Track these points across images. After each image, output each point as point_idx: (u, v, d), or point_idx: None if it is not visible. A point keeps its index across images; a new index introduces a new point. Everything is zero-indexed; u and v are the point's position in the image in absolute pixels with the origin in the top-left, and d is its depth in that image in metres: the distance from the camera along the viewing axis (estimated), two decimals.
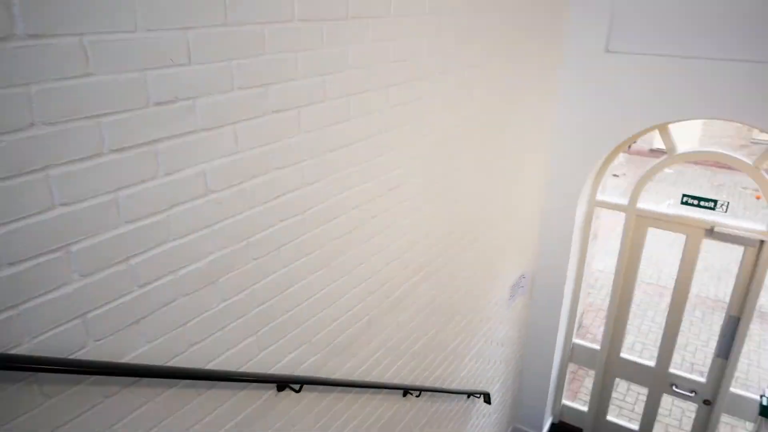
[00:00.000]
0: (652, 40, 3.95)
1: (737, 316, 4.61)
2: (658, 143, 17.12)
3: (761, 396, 4.14)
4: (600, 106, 4.25)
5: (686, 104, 3.99)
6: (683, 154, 4.45)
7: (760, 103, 3.75)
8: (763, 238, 4.29)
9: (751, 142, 15.80)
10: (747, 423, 6.16)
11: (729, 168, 16.53)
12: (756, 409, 4.75)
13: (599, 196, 4.84)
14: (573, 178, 4.54)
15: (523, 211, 4.39)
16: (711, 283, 9.98)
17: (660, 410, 6.47)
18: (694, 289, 9.51)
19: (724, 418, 6.31)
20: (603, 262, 10.31)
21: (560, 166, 4.56)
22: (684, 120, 4.08)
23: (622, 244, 4.85)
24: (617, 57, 4.08)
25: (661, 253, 10.59)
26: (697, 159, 4.40)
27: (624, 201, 4.75)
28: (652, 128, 4.29)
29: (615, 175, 15.17)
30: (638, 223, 4.74)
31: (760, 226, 4.36)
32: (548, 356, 5.21)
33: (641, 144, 17.31)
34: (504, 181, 3.83)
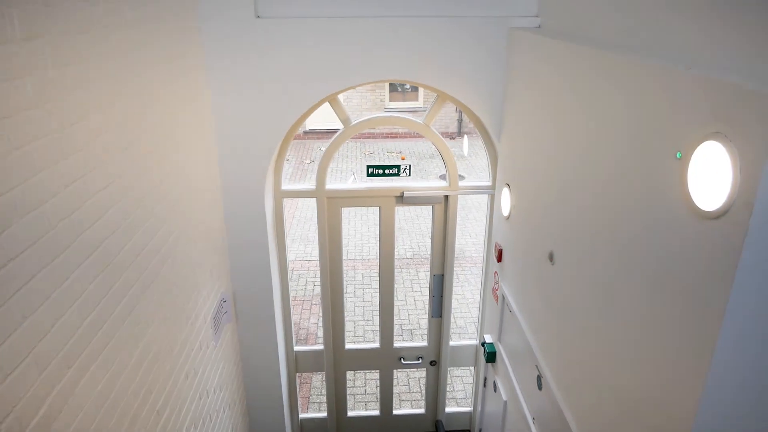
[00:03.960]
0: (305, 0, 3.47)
1: (441, 274, 4.65)
2: (311, 125, 17.84)
3: (482, 344, 4.21)
4: (263, 87, 3.63)
5: (355, 69, 3.65)
6: (359, 123, 4.16)
7: (426, 58, 3.64)
8: (447, 193, 4.33)
9: (385, 110, 17.66)
10: (470, 368, 6.59)
11: (370, 137, 18.24)
12: (473, 354, 4.93)
13: (284, 186, 4.27)
14: (253, 174, 3.85)
15: (203, 223, 3.52)
16: (407, 244, 10.57)
17: (398, 389, 6.48)
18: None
19: (451, 372, 6.64)
20: (292, 250, 10.08)
21: (234, 164, 3.81)
22: (356, 85, 3.75)
23: (320, 230, 4.40)
24: (270, 24, 3.49)
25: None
26: (372, 126, 4.18)
27: (311, 186, 4.28)
28: (324, 101, 3.87)
29: None
30: (331, 206, 4.34)
31: (442, 183, 4.39)
32: (274, 379, 4.52)
33: None
34: (174, 198, 2.90)
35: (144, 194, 2.55)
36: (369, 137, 18.15)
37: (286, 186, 4.27)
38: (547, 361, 2.98)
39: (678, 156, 1.70)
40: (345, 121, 4.13)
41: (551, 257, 2.84)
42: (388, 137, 18.14)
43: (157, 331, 2.68)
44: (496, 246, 3.99)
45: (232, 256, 4.08)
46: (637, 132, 2.00)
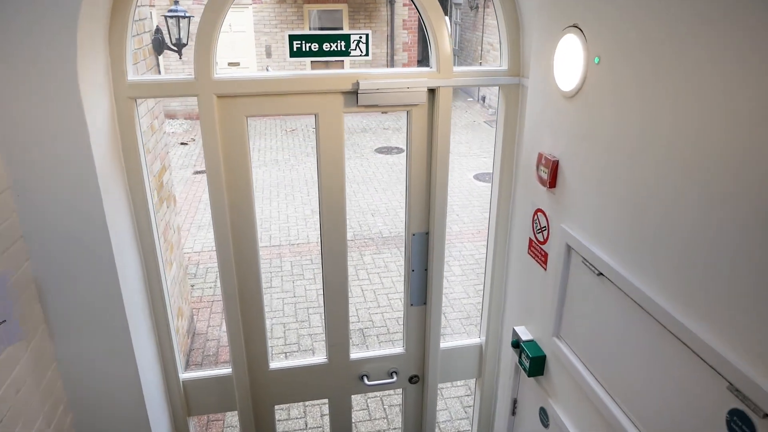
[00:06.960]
0: None
1: (424, 232, 2.77)
2: None
3: (515, 344, 2.36)
4: None
5: None
6: None
7: None
8: (435, 84, 2.45)
9: None
10: (470, 382, 4.70)
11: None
12: (476, 360, 3.11)
13: (133, 77, 2.24)
14: (55, 47, 1.83)
15: None
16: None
17: (355, 416, 4.50)
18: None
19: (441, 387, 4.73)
20: (197, 240, 7.87)
21: (11, 24, 1.78)
22: None
23: (210, 163, 2.40)
24: None
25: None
26: None
27: (187, 76, 2.29)
28: None
29: (183, 143, 12.81)
30: (228, 113, 2.36)
31: (423, 68, 2.51)
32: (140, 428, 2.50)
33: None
34: None
35: None
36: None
37: (137, 76, 2.24)
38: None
39: None
40: None
41: None
42: None
43: None
44: (540, 159, 2.15)
45: (26, 209, 2.02)
46: None
